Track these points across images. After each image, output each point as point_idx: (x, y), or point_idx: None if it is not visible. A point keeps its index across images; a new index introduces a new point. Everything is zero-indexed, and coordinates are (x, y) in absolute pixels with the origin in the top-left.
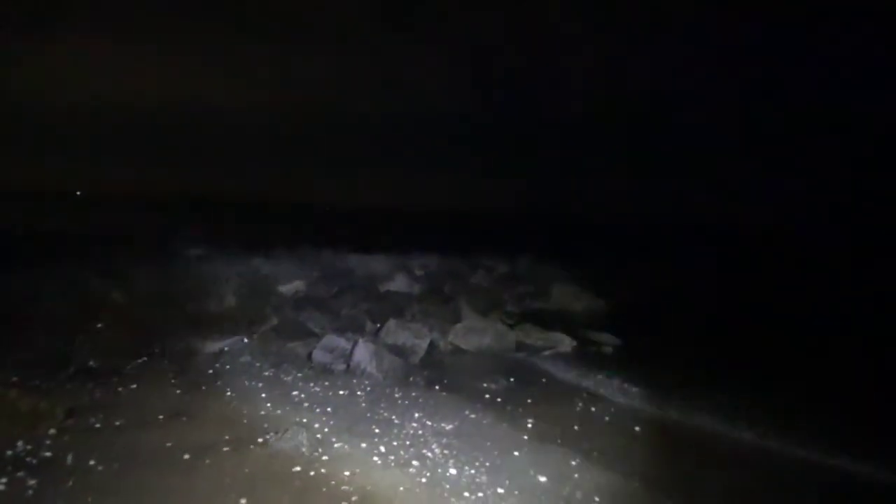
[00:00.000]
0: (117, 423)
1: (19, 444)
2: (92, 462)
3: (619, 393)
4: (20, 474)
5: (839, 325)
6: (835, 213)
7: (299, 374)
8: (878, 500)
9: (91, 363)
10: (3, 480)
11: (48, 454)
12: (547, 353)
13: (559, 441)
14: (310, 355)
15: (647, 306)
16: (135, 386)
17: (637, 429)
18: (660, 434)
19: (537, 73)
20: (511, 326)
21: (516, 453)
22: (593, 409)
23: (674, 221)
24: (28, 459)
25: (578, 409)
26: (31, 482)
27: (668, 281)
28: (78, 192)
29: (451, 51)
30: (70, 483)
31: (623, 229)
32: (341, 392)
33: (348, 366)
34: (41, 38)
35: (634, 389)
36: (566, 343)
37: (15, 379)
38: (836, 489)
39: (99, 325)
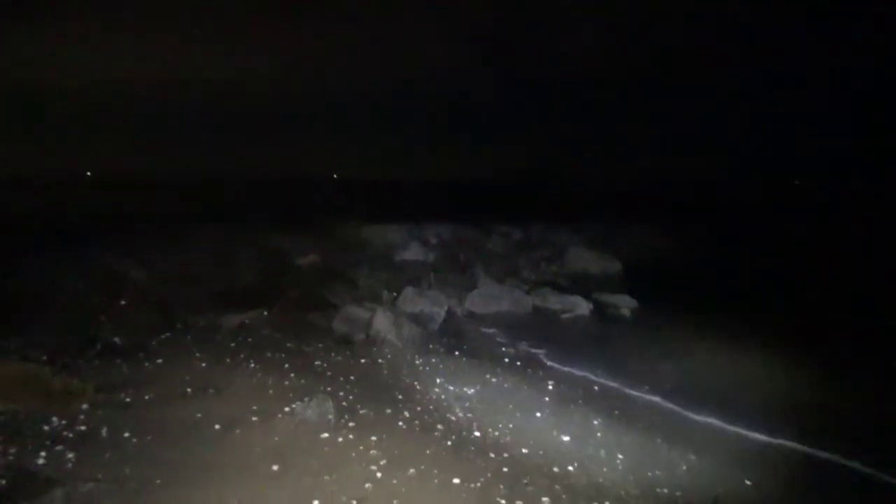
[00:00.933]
0: (147, 398)
1: (55, 419)
2: (126, 435)
3: (637, 354)
4: (59, 448)
5: (853, 283)
6: (841, 168)
7: (320, 345)
8: None
9: (116, 341)
10: (44, 454)
11: (83, 428)
12: (565, 316)
13: (580, 402)
14: (330, 326)
15: (661, 267)
16: (161, 361)
17: (662, 388)
18: (679, 394)
19: (539, 40)
20: (527, 291)
21: (538, 415)
22: (612, 370)
23: (678, 182)
24: (65, 434)
25: (597, 370)
26: (70, 455)
27: (678, 241)
28: (88, 174)
29: (452, 23)
30: (107, 455)
31: (630, 191)
32: (363, 360)
33: (368, 335)
34: (41, 23)
35: (652, 350)
36: (583, 306)
37: (45, 358)
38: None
39: (122, 304)
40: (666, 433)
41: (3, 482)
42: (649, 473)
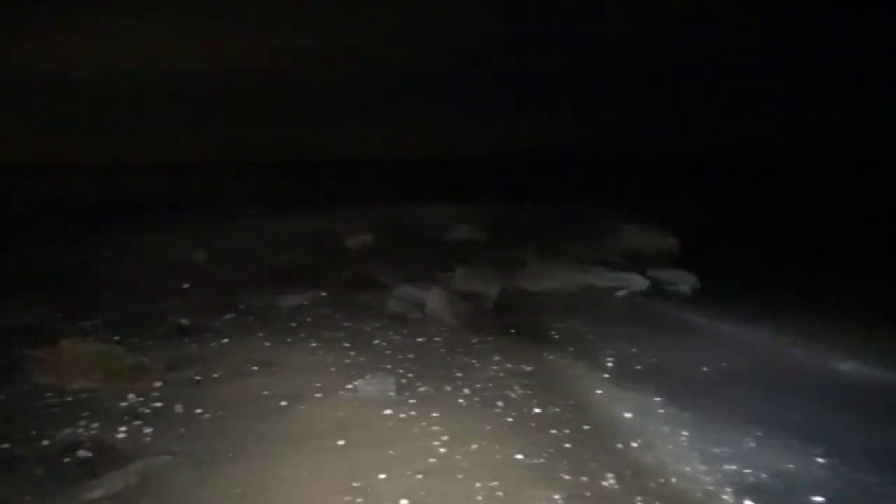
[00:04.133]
0: (215, 375)
1: (130, 396)
2: (198, 411)
3: (697, 330)
4: (136, 423)
5: None
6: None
7: (377, 324)
8: None
9: (182, 321)
10: (123, 429)
11: (158, 405)
12: (620, 293)
13: (641, 379)
14: (385, 305)
15: (716, 240)
16: (226, 341)
17: (724, 364)
18: (745, 370)
19: (569, 12)
20: (580, 268)
21: (599, 391)
22: (672, 346)
23: (719, 153)
24: (141, 410)
25: (657, 347)
26: (147, 430)
27: (730, 212)
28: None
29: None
30: (181, 430)
31: (671, 163)
32: (419, 339)
33: (423, 314)
34: (81, 14)
35: (713, 328)
36: (639, 283)
37: (117, 338)
38: None
39: (185, 286)
40: (730, 409)
41: (89, 454)
42: (716, 450)
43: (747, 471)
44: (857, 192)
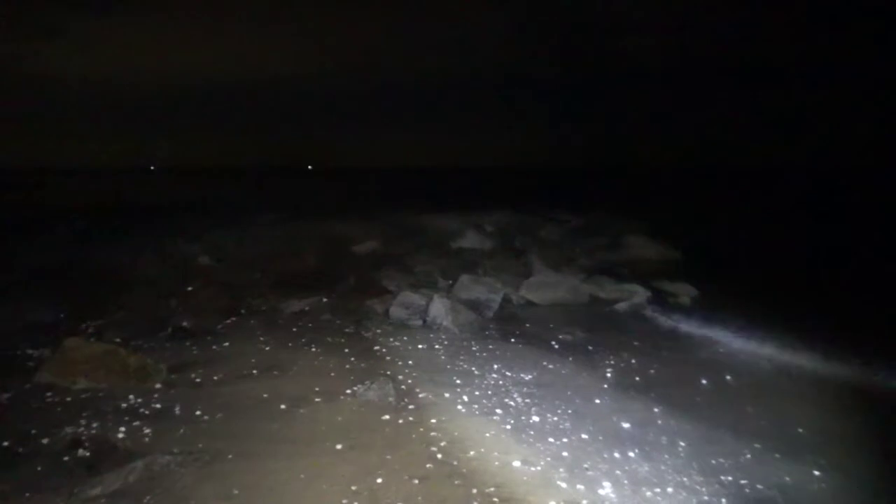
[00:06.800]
0: (216, 378)
1: (131, 397)
2: (198, 412)
3: (698, 342)
4: (136, 423)
5: None
6: None
7: (378, 330)
8: None
9: (185, 324)
10: (123, 429)
11: (158, 406)
12: (622, 304)
13: (640, 389)
14: (387, 312)
15: (722, 254)
16: (227, 344)
17: (724, 377)
18: (745, 382)
19: (596, 23)
20: (584, 279)
21: (598, 401)
22: (672, 358)
23: (737, 165)
24: (141, 410)
25: (657, 358)
26: (147, 430)
27: (739, 226)
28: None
29: (510, 11)
30: (181, 431)
31: (687, 176)
32: (420, 346)
33: (425, 321)
34: (114, 19)
35: (714, 337)
36: (641, 294)
37: (118, 340)
38: None
39: (190, 289)
40: (729, 422)
41: (88, 453)
42: (713, 461)
43: (744, 482)
44: (859, 203)
